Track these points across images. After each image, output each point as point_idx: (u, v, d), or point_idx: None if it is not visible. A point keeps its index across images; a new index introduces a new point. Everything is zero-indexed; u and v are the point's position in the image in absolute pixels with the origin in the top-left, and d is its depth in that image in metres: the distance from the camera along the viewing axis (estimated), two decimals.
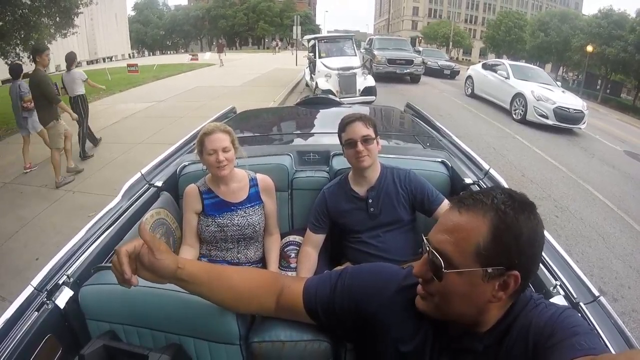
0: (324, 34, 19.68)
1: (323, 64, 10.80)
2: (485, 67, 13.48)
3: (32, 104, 5.62)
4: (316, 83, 10.62)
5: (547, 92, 10.31)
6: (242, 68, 20.85)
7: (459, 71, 20.73)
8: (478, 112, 11.55)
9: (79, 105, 6.57)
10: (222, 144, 1.88)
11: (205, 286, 1.04)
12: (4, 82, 22.39)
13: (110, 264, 1.51)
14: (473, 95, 13.73)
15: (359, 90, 10.43)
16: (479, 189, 2.04)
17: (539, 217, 0.82)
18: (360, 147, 1.87)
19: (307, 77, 13.63)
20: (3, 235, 4.24)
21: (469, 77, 14.32)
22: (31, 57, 5.66)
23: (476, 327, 0.88)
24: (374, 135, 1.89)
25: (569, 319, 0.82)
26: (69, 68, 6.55)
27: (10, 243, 4.13)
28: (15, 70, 5.84)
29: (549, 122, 9.86)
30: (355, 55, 12.01)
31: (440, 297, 0.86)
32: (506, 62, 13.04)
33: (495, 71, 12.44)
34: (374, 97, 10.47)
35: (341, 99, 7.03)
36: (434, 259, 0.83)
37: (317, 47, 11.80)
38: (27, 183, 5.75)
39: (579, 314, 1.16)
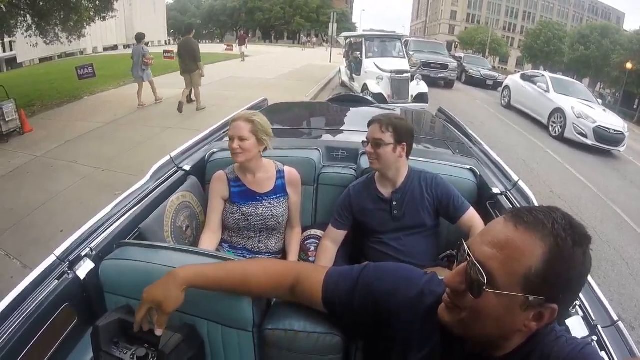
0: (359, 32, 19.11)
1: (376, 65, 9.96)
2: (524, 78, 12.81)
3: (151, 61, 9.06)
4: (365, 85, 9.94)
5: (588, 110, 9.69)
6: (272, 63, 20.63)
7: (502, 82, 19.54)
8: (513, 124, 11.08)
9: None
10: (240, 132, 1.90)
11: (219, 287, 1.12)
12: (41, 60, 23.21)
13: (134, 240, 1.54)
14: (509, 106, 13.07)
15: (412, 96, 9.66)
16: (507, 200, 2.01)
17: (590, 253, 0.75)
18: (369, 149, 1.87)
19: (345, 77, 12.98)
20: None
21: (506, 87, 13.65)
22: (185, 31, 9.40)
23: (493, 349, 0.82)
24: (389, 141, 1.84)
25: (591, 356, 0.78)
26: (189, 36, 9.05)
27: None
28: (140, 37, 9.17)
29: (588, 141, 9.26)
30: (405, 57, 11.30)
31: (469, 314, 0.78)
32: (546, 74, 12.36)
33: (534, 83, 11.73)
34: (427, 104, 9.51)
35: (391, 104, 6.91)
36: (475, 272, 0.74)
37: (364, 46, 11.05)
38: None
39: (599, 342, 1.15)
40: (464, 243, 0.81)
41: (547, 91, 10.91)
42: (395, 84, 9.50)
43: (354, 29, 59.13)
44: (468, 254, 0.77)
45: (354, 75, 11.70)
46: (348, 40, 13.50)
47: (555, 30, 45.76)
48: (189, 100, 9.06)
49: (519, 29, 69.49)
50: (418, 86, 9.80)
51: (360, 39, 11.52)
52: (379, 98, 8.76)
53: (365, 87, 9.84)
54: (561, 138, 9.81)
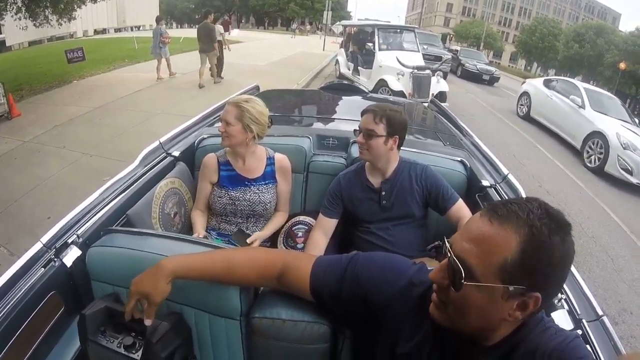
0: (357, 20, 18.46)
1: (398, 60, 8.93)
2: (548, 85, 10.40)
3: (168, 40, 10.29)
4: (381, 80, 9.13)
5: (635, 139, 7.29)
6: (265, 50, 20.21)
7: (499, 77, 18.55)
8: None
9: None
10: (226, 116, 1.92)
11: (206, 277, 1.12)
12: (31, 43, 22.78)
13: (121, 227, 1.52)
14: (527, 118, 10.85)
15: (432, 94, 8.53)
16: (496, 193, 2.02)
17: (572, 240, 0.75)
18: (360, 139, 1.86)
19: (344, 68, 12.12)
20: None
21: (525, 94, 11.24)
22: (204, 15, 10.32)
23: (481, 340, 0.85)
24: (381, 133, 1.83)
25: (577, 348, 0.79)
26: (214, 23, 10.19)
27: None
28: (159, 19, 10.63)
29: (633, 180, 6.88)
30: (419, 51, 10.50)
31: (454, 308, 0.82)
32: (579, 83, 9.86)
33: (564, 94, 9.39)
34: (447, 104, 8.46)
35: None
36: (455, 267, 0.78)
37: (377, 37, 10.14)
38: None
39: (583, 336, 1.16)
40: (446, 240, 0.84)
41: (582, 107, 8.58)
42: (417, 81, 8.64)
43: (348, 17, 58.67)
44: (449, 250, 0.81)
45: (359, 67, 11.00)
46: (347, 30, 12.91)
47: (551, 27, 45.77)
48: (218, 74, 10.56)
49: (514, 24, 69.70)
50: (438, 84, 9.05)
51: (371, 29, 10.85)
52: (400, 96, 8.29)
53: (382, 83, 9.13)
54: (599, 171, 7.43)
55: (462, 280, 0.76)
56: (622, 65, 26.85)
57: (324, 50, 21.47)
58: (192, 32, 14.77)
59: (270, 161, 2.08)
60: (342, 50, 13.04)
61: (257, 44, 23.01)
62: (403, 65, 8.78)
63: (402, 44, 10.57)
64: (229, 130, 1.91)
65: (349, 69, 11.90)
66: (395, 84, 8.75)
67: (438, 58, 15.09)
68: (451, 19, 71.26)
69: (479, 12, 69.46)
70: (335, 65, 13.35)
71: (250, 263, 1.12)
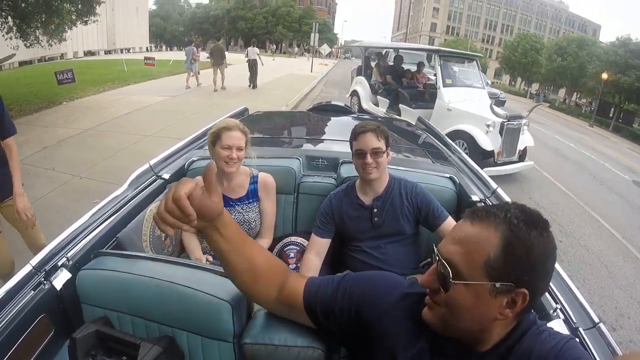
0: (342, 41, 17.98)
1: (492, 109, 6.71)
2: None
3: (198, 58, 13.45)
4: (461, 132, 6.74)
5: None
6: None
7: (505, 101, 16.61)
8: None
9: (252, 64, 13.97)
10: (238, 142, 1.94)
11: (232, 245, 0.98)
12: (21, 63, 22.76)
13: (112, 250, 1.51)
14: None
15: (519, 151, 6.84)
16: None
17: (552, 236, 0.79)
18: (369, 159, 1.86)
19: (367, 103, 9.55)
20: None
21: None
22: (213, 38, 18.60)
23: (477, 345, 0.85)
24: (384, 148, 1.87)
25: (572, 350, 0.80)
26: (252, 46, 14.47)
27: None
28: (191, 41, 17.16)
29: None
30: (484, 88, 8.07)
31: (446, 309, 0.83)
32: None
33: None
34: (529, 163, 7.05)
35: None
36: (443, 269, 0.81)
37: (439, 68, 7.60)
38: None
39: (581, 344, 1.16)
40: (435, 247, 0.87)
41: None
42: (509, 135, 6.57)
43: (335, 39, 59.49)
44: (437, 255, 0.84)
45: (402, 106, 8.45)
46: (365, 52, 10.82)
47: (533, 42, 46.61)
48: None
49: (497, 40, 71.24)
50: (523, 136, 6.93)
51: (429, 56, 8.71)
52: (489, 156, 6.52)
53: (459, 135, 6.74)
54: None
55: (451, 280, 0.79)
56: (605, 76, 27.20)
57: (311, 72, 21.65)
58: (181, 55, 14.97)
59: (254, 180, 2.11)
60: (362, 78, 10.25)
61: (245, 66, 23.16)
62: (496, 114, 6.64)
63: (468, 79, 8.37)
64: (240, 155, 1.95)
65: (376, 105, 9.52)
66: (484, 141, 6.46)
67: None
68: (435, 38, 72.56)
69: (463, 31, 71.07)
70: (351, 97, 10.59)
71: (269, 258, 1.08)
